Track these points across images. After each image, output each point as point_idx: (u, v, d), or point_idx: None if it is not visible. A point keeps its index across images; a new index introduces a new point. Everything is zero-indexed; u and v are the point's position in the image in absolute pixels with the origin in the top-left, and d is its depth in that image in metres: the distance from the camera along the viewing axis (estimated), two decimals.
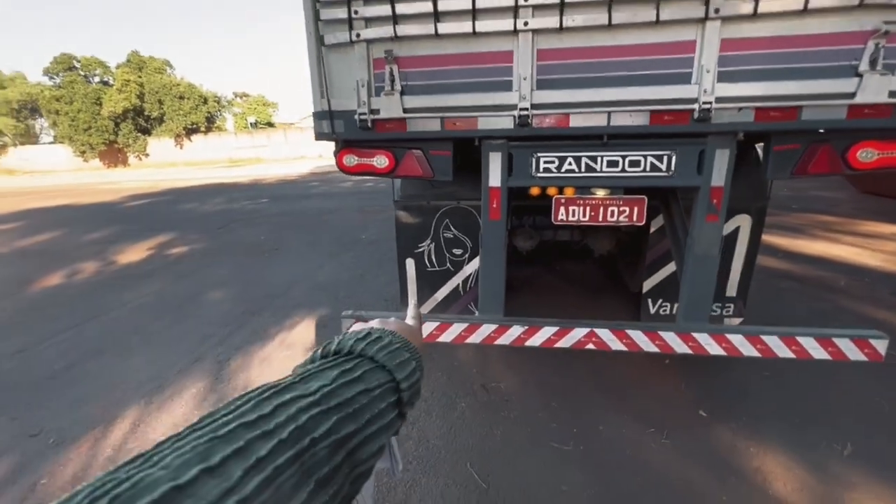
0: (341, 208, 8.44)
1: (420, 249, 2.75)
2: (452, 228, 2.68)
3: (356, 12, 1.71)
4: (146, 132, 30.09)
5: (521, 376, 2.47)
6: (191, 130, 29.98)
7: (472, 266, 2.75)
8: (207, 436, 0.26)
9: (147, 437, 2.14)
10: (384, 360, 0.41)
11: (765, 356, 1.79)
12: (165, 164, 28.96)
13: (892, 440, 1.87)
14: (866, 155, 1.66)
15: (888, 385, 2.22)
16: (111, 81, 29.16)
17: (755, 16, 1.53)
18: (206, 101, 30.48)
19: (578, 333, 1.89)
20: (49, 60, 28.62)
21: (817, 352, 1.75)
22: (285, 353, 2.89)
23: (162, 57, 31.26)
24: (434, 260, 2.77)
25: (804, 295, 3.38)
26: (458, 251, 2.74)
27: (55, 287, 4.57)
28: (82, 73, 29.18)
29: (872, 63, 1.51)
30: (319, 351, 0.41)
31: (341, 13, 1.73)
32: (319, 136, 1.93)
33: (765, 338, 1.78)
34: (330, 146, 2.05)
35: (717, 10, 1.54)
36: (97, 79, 29.89)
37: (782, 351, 1.77)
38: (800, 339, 1.76)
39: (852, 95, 1.56)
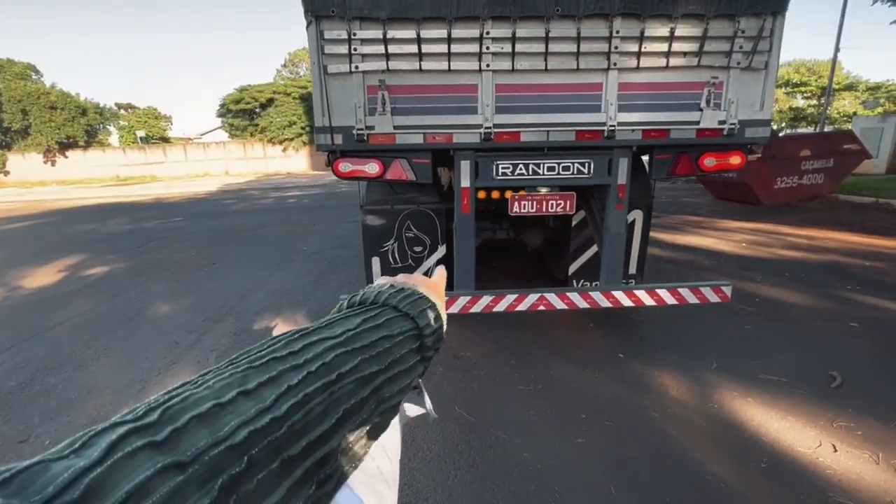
0: (269, 223, 8.37)
1: (384, 249, 3.16)
2: (413, 229, 3.13)
3: (355, 49, 2.15)
4: (5, 147, 25.96)
5: (482, 346, 2.99)
6: (66, 145, 26.47)
7: (431, 261, 3.23)
8: (244, 366, 0.29)
9: None
10: (407, 308, 0.42)
11: (658, 304, 2.52)
12: (33, 184, 25.20)
13: (739, 357, 2.71)
14: (710, 161, 2.49)
15: (736, 328, 3.14)
16: None
17: (639, 69, 2.27)
18: (84, 113, 27.22)
19: (533, 298, 2.47)
20: None
21: (691, 298, 2.52)
22: None
23: (24, 60, 27.39)
24: (397, 257, 3.20)
25: (680, 272, 4.41)
26: (418, 248, 3.19)
27: None
28: None
29: (707, 102, 2.33)
30: (346, 301, 0.44)
31: (343, 49, 2.15)
32: (320, 147, 2.30)
33: (658, 291, 2.52)
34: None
35: (615, 64, 2.25)
36: None
37: (669, 299, 2.52)
38: (679, 291, 2.52)
39: (698, 123, 2.36)
